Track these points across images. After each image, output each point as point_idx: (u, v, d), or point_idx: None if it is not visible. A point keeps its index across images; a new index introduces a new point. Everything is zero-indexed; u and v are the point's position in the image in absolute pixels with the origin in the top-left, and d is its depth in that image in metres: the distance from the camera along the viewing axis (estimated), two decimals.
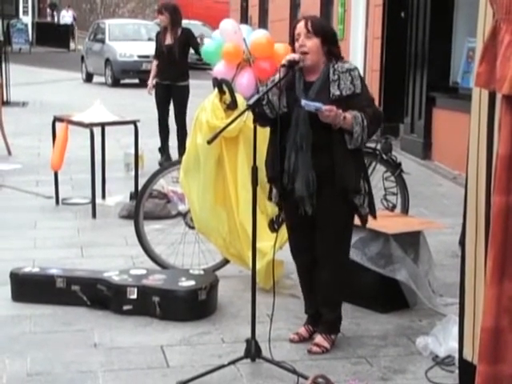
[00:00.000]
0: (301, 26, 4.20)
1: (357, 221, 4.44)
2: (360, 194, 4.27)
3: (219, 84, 5.20)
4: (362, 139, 4.14)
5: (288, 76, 4.18)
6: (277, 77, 4.19)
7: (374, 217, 4.44)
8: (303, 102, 4.07)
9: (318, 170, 4.17)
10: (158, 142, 10.16)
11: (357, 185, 4.23)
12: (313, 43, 4.18)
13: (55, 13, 41.64)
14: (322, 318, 4.46)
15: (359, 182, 4.25)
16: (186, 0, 38.90)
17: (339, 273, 4.39)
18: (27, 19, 38.37)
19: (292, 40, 4.26)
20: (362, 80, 4.24)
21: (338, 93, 4.14)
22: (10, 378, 4.02)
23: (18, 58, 24.56)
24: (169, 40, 9.67)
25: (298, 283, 4.76)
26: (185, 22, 30.35)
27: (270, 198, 4.52)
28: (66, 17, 39.65)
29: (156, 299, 4.82)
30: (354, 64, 4.35)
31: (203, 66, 20.20)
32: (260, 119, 4.23)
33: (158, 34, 10.07)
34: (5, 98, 13.52)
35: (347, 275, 4.49)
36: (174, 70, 9.64)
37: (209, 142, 4.30)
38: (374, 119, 4.16)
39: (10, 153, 10.25)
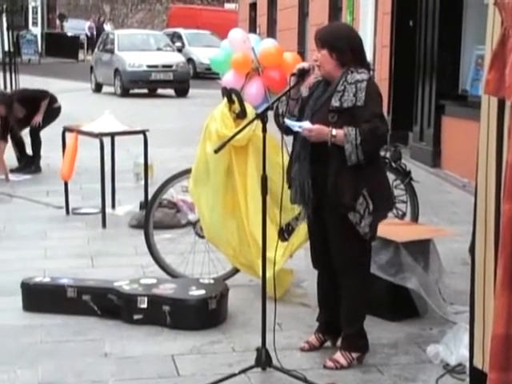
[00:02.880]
0: (314, 39, 4.23)
1: None
2: (355, 211, 4.09)
3: (228, 93, 5.21)
4: (356, 157, 3.99)
5: (305, 85, 4.18)
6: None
7: (372, 239, 4.29)
8: (286, 121, 4.07)
9: (318, 181, 4.12)
10: (167, 152, 10.18)
11: (349, 201, 4.07)
12: (321, 55, 4.17)
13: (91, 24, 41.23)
14: (343, 333, 4.40)
15: (353, 199, 4.07)
16: (195, 10, 39.20)
17: (355, 287, 4.29)
18: (36, 30, 38.52)
19: None
20: (369, 93, 4.07)
21: (337, 104, 4.06)
22: None
23: (27, 69, 24.66)
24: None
25: (309, 292, 4.77)
26: (194, 32, 30.32)
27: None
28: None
29: (166, 308, 4.83)
30: (367, 75, 4.17)
31: (212, 76, 20.28)
32: (280, 129, 4.24)
33: None
34: None
35: (366, 290, 4.37)
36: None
37: (216, 151, 4.30)
38: (369, 136, 3.99)
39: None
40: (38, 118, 9.88)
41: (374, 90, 4.15)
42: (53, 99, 10.14)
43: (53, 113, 10.09)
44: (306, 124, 4.03)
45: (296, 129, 4.03)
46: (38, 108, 9.91)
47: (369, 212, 4.13)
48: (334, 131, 4.00)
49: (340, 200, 4.08)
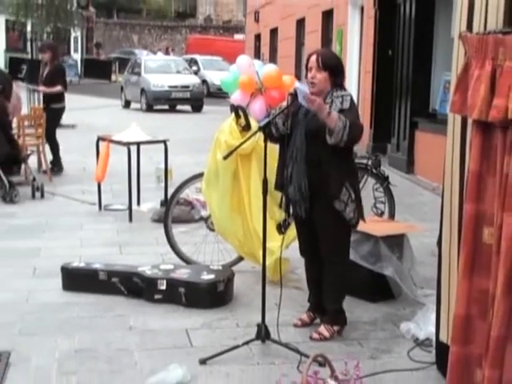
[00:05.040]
0: (313, 60, 4.18)
1: None
2: (340, 200, 4.14)
3: (236, 110, 5.21)
4: (341, 136, 3.96)
5: (294, 102, 4.18)
6: (284, 103, 4.21)
7: (363, 220, 4.36)
8: (297, 84, 4.01)
9: (312, 179, 4.13)
10: (184, 158, 10.16)
11: (336, 192, 4.12)
12: (321, 76, 4.16)
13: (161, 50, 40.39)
14: (326, 310, 4.42)
15: (339, 190, 4.12)
16: (209, 39, 39.24)
17: (339, 271, 4.31)
18: (77, 56, 38.56)
19: (306, 68, 4.24)
20: (352, 104, 4.15)
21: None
22: (61, 354, 4.04)
23: (69, 88, 24.46)
24: (45, 71, 10.10)
25: (302, 277, 4.76)
26: (207, 58, 30.36)
27: (281, 205, 4.49)
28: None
29: (182, 290, 4.83)
30: (350, 93, 4.26)
31: (223, 95, 20.27)
32: (269, 138, 4.23)
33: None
34: None
35: (347, 273, 4.39)
36: (45, 95, 10.17)
37: (224, 158, 4.29)
38: (354, 126, 4.01)
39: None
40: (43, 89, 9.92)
41: (355, 104, 4.22)
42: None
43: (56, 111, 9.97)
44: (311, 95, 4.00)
45: (303, 93, 3.96)
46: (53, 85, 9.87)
47: (351, 200, 4.17)
48: (329, 110, 3.98)
49: (329, 191, 4.12)
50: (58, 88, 9.91)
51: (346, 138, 4.00)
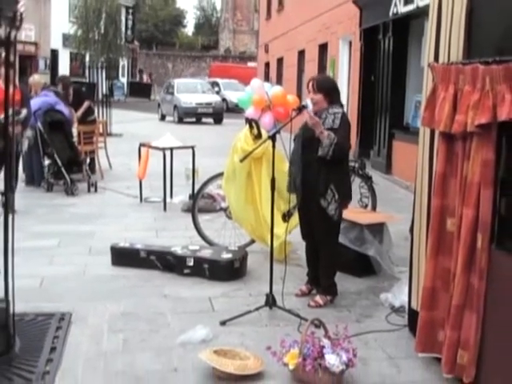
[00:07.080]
0: (311, 84, 4.20)
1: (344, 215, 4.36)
2: (325, 198, 4.09)
3: (249, 122, 5.21)
4: (327, 151, 3.97)
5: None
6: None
7: (341, 219, 4.26)
8: (308, 102, 4.06)
9: (306, 176, 4.13)
10: (208, 161, 10.17)
11: (321, 191, 4.07)
12: (317, 97, 4.16)
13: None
14: (320, 283, 4.41)
15: (325, 190, 4.07)
16: (228, 66, 39.17)
17: (329, 255, 4.30)
18: (124, 79, 38.59)
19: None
20: (343, 121, 4.08)
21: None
22: (110, 316, 4.06)
23: (117, 105, 24.62)
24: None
25: (302, 257, 4.74)
26: (227, 81, 30.21)
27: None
28: None
29: (206, 266, 4.84)
30: (342, 109, 4.18)
31: (239, 110, 20.28)
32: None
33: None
34: (108, 131, 13.63)
35: (336, 255, 4.36)
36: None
37: (241, 161, 4.30)
38: (340, 145, 3.98)
39: (111, 167, 10.33)
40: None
41: (345, 120, 4.16)
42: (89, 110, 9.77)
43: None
44: (312, 114, 4.03)
45: (308, 107, 4.00)
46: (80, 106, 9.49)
47: (335, 200, 4.12)
48: (323, 129, 3.99)
49: (316, 189, 4.10)
50: (86, 104, 9.65)
51: (332, 154, 3.99)
